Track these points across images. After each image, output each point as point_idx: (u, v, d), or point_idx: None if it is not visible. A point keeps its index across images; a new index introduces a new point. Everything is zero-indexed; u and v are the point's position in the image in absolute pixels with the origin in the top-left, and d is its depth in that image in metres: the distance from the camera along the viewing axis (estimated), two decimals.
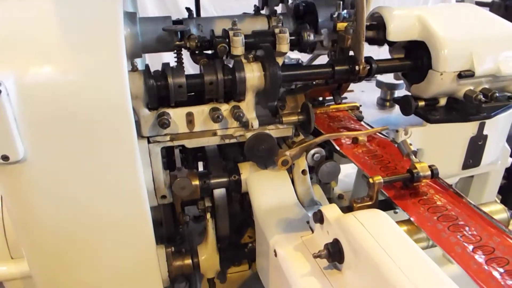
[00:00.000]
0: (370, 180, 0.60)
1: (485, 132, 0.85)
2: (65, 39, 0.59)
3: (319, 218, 0.60)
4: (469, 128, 0.84)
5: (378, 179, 0.60)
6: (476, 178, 1.07)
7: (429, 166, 0.63)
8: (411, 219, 0.58)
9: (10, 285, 0.90)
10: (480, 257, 0.50)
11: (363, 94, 1.17)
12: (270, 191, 0.76)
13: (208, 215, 0.87)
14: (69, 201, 0.65)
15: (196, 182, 0.81)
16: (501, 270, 0.48)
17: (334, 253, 0.54)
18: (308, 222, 0.67)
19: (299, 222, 0.68)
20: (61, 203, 0.65)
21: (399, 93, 1.10)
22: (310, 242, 0.62)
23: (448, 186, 0.65)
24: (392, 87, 1.04)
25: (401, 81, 1.03)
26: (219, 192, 0.87)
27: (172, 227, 0.91)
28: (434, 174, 0.63)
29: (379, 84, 1.07)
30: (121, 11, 0.61)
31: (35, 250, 0.70)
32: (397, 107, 1.07)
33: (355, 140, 0.80)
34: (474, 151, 0.86)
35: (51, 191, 0.64)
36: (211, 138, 0.77)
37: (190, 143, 0.77)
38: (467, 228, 0.56)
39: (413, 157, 0.64)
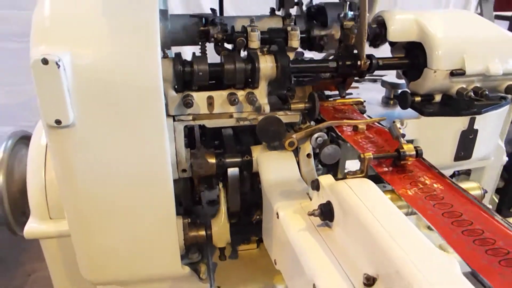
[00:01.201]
0: (361, 156, 0.70)
1: (475, 127, 0.93)
2: (111, 27, 0.71)
3: (316, 185, 0.70)
4: (460, 122, 0.92)
5: (369, 155, 0.70)
6: (473, 176, 1.15)
7: (415, 147, 0.72)
8: (394, 189, 0.67)
9: (46, 243, 1.03)
10: (448, 219, 0.59)
11: (369, 93, 1.26)
12: (277, 168, 0.87)
13: (221, 185, 0.98)
14: (105, 165, 0.77)
15: (213, 160, 0.93)
16: (464, 228, 0.57)
17: (325, 212, 0.64)
18: (308, 193, 0.77)
19: (300, 193, 0.79)
20: (99, 166, 0.77)
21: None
22: (307, 207, 0.71)
23: (431, 166, 0.74)
24: (395, 86, 1.13)
25: (403, 81, 1.13)
26: (232, 171, 0.98)
27: (189, 200, 1.03)
28: (418, 153, 0.72)
29: (383, 83, 1.17)
30: (157, 6, 0.73)
31: (74, 209, 0.81)
32: None
33: (355, 128, 0.90)
34: (465, 144, 0.95)
35: (91, 154, 0.75)
36: (227, 120, 0.89)
37: (209, 123, 0.88)
38: (443, 199, 0.65)
39: (401, 139, 0.74)
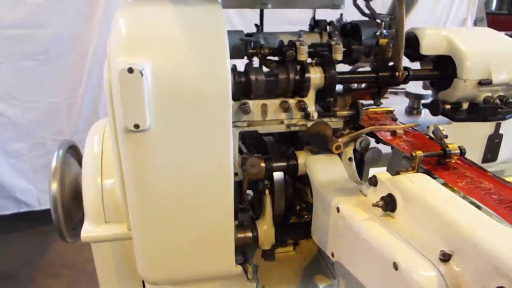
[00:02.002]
0: (413, 153, 0.78)
1: (501, 132, 1.02)
2: (185, 39, 0.79)
3: (373, 181, 0.78)
4: (487, 128, 1.02)
5: (419, 153, 0.78)
6: None
7: (458, 146, 0.80)
8: (445, 182, 0.75)
9: (100, 246, 1.07)
10: (500, 205, 0.67)
11: (392, 105, 1.36)
12: (327, 169, 0.94)
13: (267, 192, 1.04)
14: (175, 167, 0.83)
15: (262, 164, 0.99)
16: None
17: (388, 203, 0.71)
18: (360, 191, 0.85)
19: (353, 190, 0.86)
20: (169, 168, 0.83)
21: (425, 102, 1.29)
22: (364, 202, 0.79)
23: (473, 163, 0.82)
24: (419, 97, 1.23)
25: (427, 92, 1.23)
26: (278, 174, 1.05)
27: (237, 203, 1.08)
28: (462, 152, 0.80)
29: (408, 94, 1.26)
30: (224, 22, 0.82)
31: (141, 209, 0.87)
32: (422, 113, 1.26)
33: (393, 133, 0.98)
34: (492, 148, 1.04)
35: (162, 157, 0.82)
36: (278, 126, 0.96)
37: (262, 129, 0.96)
38: (491, 190, 0.72)
39: (445, 139, 0.82)
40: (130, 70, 0.73)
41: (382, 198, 0.72)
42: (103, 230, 1.01)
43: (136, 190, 0.85)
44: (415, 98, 1.25)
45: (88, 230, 1.01)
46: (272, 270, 1.14)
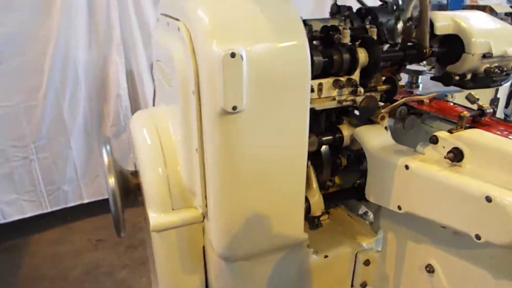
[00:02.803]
0: (461, 115, 0.94)
1: (498, 96, 1.24)
2: (268, 24, 0.85)
3: (434, 140, 0.92)
4: (489, 93, 1.23)
5: (465, 113, 0.94)
6: None
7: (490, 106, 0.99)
8: None
9: (165, 234, 1.08)
10: None
11: None
12: (377, 136, 1.07)
13: (309, 163, 1.14)
14: (261, 144, 0.89)
15: (316, 138, 1.10)
16: None
17: (457, 154, 0.87)
18: (416, 150, 0.99)
19: (408, 150, 1.00)
20: (256, 146, 0.89)
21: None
22: (427, 158, 0.93)
23: (501, 119, 1.01)
24: (418, 73, 1.42)
25: (423, 68, 1.42)
26: (324, 148, 1.16)
27: None
28: (494, 112, 0.99)
29: (407, 71, 1.44)
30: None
31: (224, 187, 0.92)
32: (420, 87, 1.45)
33: (420, 102, 1.14)
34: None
35: (252, 136, 0.88)
36: (331, 102, 1.07)
37: (318, 106, 1.05)
38: None
39: (479, 102, 1.00)
40: (232, 55, 0.78)
41: (451, 151, 0.87)
42: (172, 217, 1.04)
43: (224, 170, 0.90)
44: (414, 73, 1.44)
45: (158, 219, 1.02)
46: (317, 236, 1.25)
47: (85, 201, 3.04)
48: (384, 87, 1.12)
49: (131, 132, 1.15)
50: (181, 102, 0.93)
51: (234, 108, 0.82)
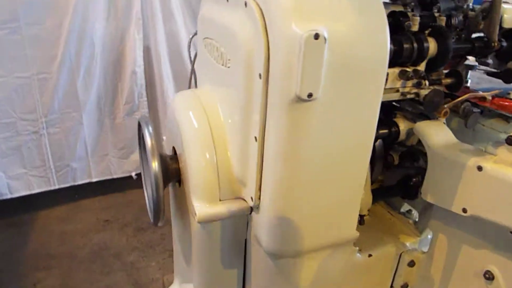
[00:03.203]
0: None
1: None
2: (348, 4, 0.78)
3: (510, 141, 0.86)
4: None
5: None
6: None
7: None
8: None
9: (209, 226, 1.02)
10: None
11: None
12: (439, 133, 1.00)
13: None
14: (331, 135, 0.83)
15: None
16: None
17: None
18: (485, 150, 0.93)
19: (477, 150, 0.94)
20: (325, 136, 0.82)
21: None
22: (500, 159, 0.87)
23: None
24: (469, 67, 1.35)
25: (474, 63, 1.34)
26: (378, 142, 1.09)
27: None
28: None
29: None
30: None
31: (288, 179, 0.85)
32: (469, 82, 1.38)
33: (482, 99, 1.08)
34: None
35: (323, 126, 0.81)
36: (394, 94, 1.00)
37: (383, 98, 0.98)
38: None
39: None
40: (316, 36, 0.70)
41: None
42: (220, 208, 0.97)
43: (286, 162, 0.83)
44: (465, 68, 1.36)
45: (204, 209, 0.96)
46: (360, 234, 1.20)
47: (94, 179, 2.97)
48: (448, 80, 1.05)
49: (173, 113, 1.08)
50: (242, 85, 0.86)
51: (310, 95, 0.75)
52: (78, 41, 2.49)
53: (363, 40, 0.78)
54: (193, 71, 1.34)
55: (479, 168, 0.87)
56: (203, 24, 1.10)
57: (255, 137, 0.87)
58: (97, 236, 2.69)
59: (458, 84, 1.04)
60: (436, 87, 1.04)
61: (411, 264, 1.17)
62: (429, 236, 1.18)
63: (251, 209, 0.99)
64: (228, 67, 0.93)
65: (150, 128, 1.03)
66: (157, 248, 2.61)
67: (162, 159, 1.08)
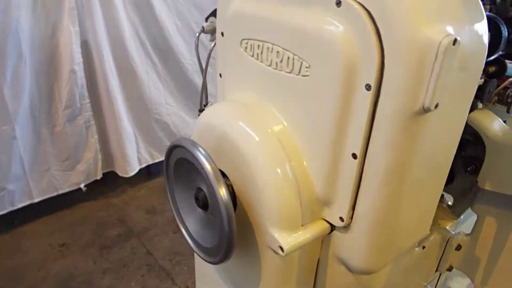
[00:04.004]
0: None
1: None
2: (460, 7, 0.71)
3: None
4: None
5: None
6: None
7: None
8: None
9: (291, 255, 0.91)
10: None
11: None
12: (494, 122, 1.01)
13: None
14: (437, 145, 0.77)
15: None
16: None
17: None
18: None
19: None
20: (433, 147, 0.77)
21: None
22: None
23: None
24: None
25: None
26: None
27: None
28: None
29: None
30: None
31: (393, 194, 0.78)
32: None
33: None
34: None
35: (433, 137, 0.75)
36: None
37: None
38: None
39: None
40: (454, 42, 0.63)
41: None
42: (304, 235, 0.85)
43: (393, 177, 0.76)
44: None
45: (289, 240, 0.83)
46: None
47: (36, 200, 2.55)
48: (492, 68, 1.06)
49: (221, 130, 0.91)
50: (337, 97, 0.74)
51: (436, 106, 0.68)
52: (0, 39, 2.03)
53: (474, 40, 0.72)
54: (205, 77, 1.17)
55: None
56: (241, 23, 0.94)
57: (353, 154, 0.77)
58: (56, 264, 2.33)
59: (501, 72, 1.06)
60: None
61: (458, 248, 1.20)
62: (470, 219, 1.22)
63: (332, 229, 0.90)
64: (305, 76, 0.80)
65: (203, 151, 0.86)
66: (132, 265, 2.37)
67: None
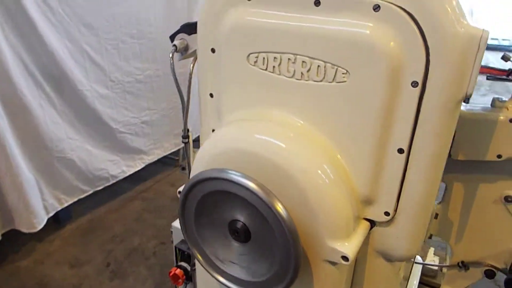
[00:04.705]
0: None
1: None
2: None
3: None
4: None
5: None
6: None
7: None
8: None
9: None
10: None
11: None
12: None
13: None
14: None
15: None
16: None
17: None
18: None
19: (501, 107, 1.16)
20: None
21: None
22: None
23: None
24: None
25: None
26: None
27: None
28: None
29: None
30: None
31: (433, 184, 0.85)
32: None
33: None
34: None
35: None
36: None
37: None
38: None
39: None
40: (485, 34, 0.71)
41: None
42: (358, 239, 0.86)
43: (437, 165, 0.84)
44: None
45: (350, 248, 0.83)
46: None
47: None
48: None
49: (252, 156, 0.85)
50: (381, 97, 0.77)
51: (471, 95, 0.76)
52: None
53: None
54: (189, 100, 1.08)
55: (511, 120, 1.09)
56: (248, 36, 0.89)
57: (400, 149, 0.81)
58: None
59: None
60: None
61: (436, 216, 1.36)
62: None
63: (372, 225, 0.93)
64: (341, 82, 0.81)
65: (242, 173, 0.80)
66: None
67: None
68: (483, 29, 0.70)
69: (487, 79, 1.30)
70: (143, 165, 3.36)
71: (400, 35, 0.73)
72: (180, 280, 1.39)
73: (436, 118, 0.77)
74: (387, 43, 0.74)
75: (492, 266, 1.36)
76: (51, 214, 2.67)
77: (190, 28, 1.09)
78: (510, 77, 1.26)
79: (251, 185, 0.78)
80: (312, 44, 0.81)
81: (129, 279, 2.41)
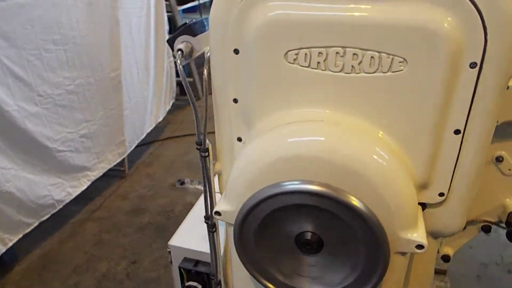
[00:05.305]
0: None
1: None
2: None
3: None
4: None
5: None
6: None
7: None
8: None
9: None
10: None
11: None
12: None
13: None
14: None
15: None
16: None
17: None
18: None
19: None
20: None
21: None
22: None
23: None
24: None
25: None
26: None
27: None
28: None
29: None
30: None
31: (483, 159, 0.88)
32: None
33: None
34: None
35: None
36: None
37: None
38: None
39: None
40: None
41: None
42: (421, 223, 0.86)
43: (488, 141, 0.86)
44: None
45: (421, 234, 0.83)
46: None
47: None
48: None
49: (315, 162, 0.79)
50: (440, 81, 0.76)
51: None
52: None
53: None
54: (207, 108, 0.97)
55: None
56: (286, 32, 0.81)
57: (456, 130, 0.82)
58: None
59: None
60: None
61: None
62: None
63: (424, 207, 0.94)
64: (397, 71, 0.78)
65: (324, 187, 0.74)
66: None
67: None
68: None
69: None
70: (89, 183, 3.05)
71: (459, 17, 0.72)
72: None
73: (491, 97, 0.78)
74: (447, 26, 0.73)
75: (487, 221, 1.49)
76: None
77: (194, 29, 0.97)
78: None
79: (327, 191, 0.73)
80: (365, 35, 0.77)
81: None
